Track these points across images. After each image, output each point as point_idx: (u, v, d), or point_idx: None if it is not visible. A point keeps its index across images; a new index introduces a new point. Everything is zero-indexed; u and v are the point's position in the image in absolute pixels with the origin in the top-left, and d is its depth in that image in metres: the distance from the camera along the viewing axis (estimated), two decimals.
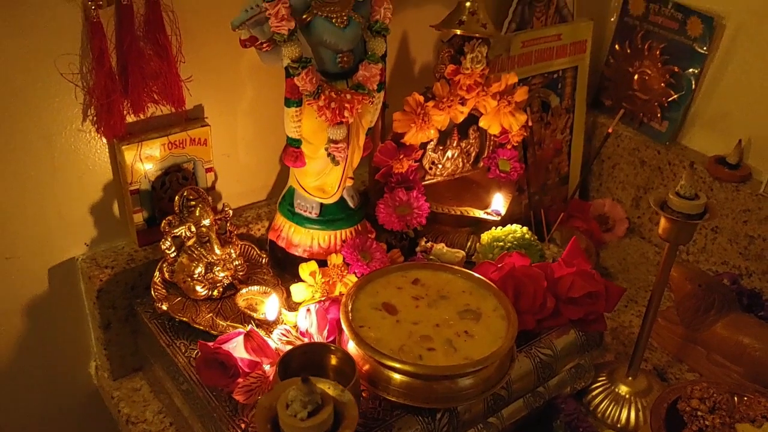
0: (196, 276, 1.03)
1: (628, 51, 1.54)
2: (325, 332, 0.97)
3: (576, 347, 1.09)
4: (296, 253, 1.11)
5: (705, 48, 1.42)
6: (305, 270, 1.06)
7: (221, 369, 0.92)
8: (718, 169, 1.41)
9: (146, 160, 1.05)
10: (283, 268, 1.13)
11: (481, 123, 1.20)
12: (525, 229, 1.16)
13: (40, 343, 1.11)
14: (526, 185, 1.40)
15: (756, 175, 1.39)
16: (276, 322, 0.99)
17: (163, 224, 1.03)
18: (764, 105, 1.37)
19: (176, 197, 1.04)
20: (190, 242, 1.04)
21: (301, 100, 0.99)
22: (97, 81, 0.96)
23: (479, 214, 1.20)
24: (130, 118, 1.02)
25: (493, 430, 0.99)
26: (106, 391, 1.14)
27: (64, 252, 1.07)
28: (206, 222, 1.04)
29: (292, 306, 1.05)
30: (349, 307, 0.95)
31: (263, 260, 1.12)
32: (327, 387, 0.70)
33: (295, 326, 1.00)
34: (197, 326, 1.00)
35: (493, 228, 1.17)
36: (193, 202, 1.04)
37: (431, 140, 1.19)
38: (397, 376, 0.89)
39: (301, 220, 1.10)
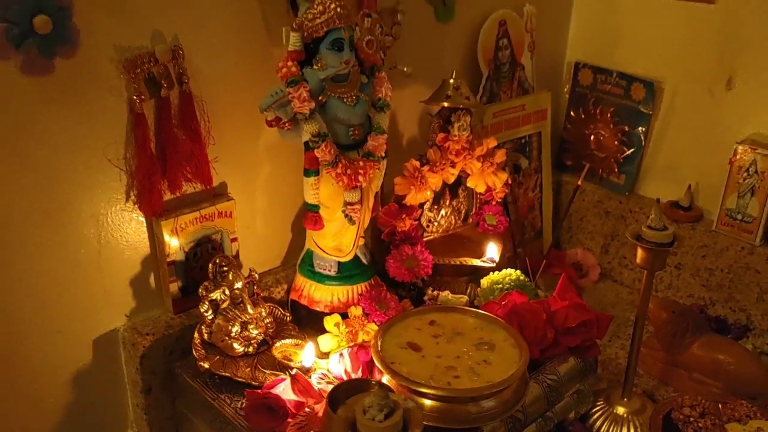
0: (233, 334, 1.13)
1: (583, 116, 1.75)
2: (359, 372, 1.07)
3: (576, 372, 1.21)
4: (318, 309, 1.22)
5: (649, 109, 1.63)
6: (330, 322, 1.17)
7: (269, 413, 1.01)
8: (674, 212, 1.59)
9: (181, 234, 1.16)
10: (305, 324, 1.24)
11: (469, 183, 1.36)
12: (518, 272, 1.30)
13: (82, 413, 1.17)
14: (512, 236, 1.55)
15: (707, 214, 1.58)
16: (311, 370, 1.09)
17: (200, 289, 1.14)
18: (705, 154, 1.58)
19: (210, 265, 1.15)
20: (225, 304, 1.15)
21: (319, 170, 1.13)
22: (140, 164, 1.09)
23: (476, 262, 1.34)
24: (167, 196, 1.14)
25: None
26: None
27: (107, 323, 1.16)
28: (239, 285, 1.15)
29: (320, 356, 1.16)
30: (379, 348, 1.06)
31: (287, 318, 1.23)
32: (392, 396, 0.80)
33: (328, 371, 1.10)
34: (239, 379, 1.10)
35: (491, 273, 1.31)
36: (225, 268, 1.15)
37: (427, 200, 1.34)
38: (428, 402, 1.00)
39: (321, 278, 1.22)
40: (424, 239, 1.36)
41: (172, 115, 1.10)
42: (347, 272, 1.22)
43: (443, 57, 1.49)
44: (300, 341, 1.16)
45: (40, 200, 1.03)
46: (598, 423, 1.27)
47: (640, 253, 1.16)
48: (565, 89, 1.78)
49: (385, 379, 1.03)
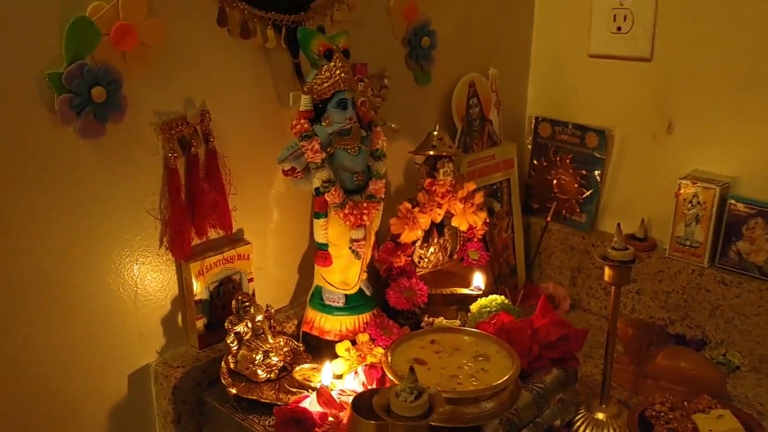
0: (257, 362, 1.27)
1: (545, 163, 1.96)
2: (374, 385, 1.22)
3: (559, 382, 1.37)
4: (329, 338, 1.37)
5: (602, 154, 1.86)
6: (341, 347, 1.32)
7: (296, 426, 1.15)
8: (632, 243, 1.79)
9: (207, 275, 1.30)
10: (316, 353, 1.38)
11: (453, 222, 1.55)
12: (502, 297, 1.47)
13: None
14: (492, 269, 1.73)
15: (660, 243, 1.79)
16: (330, 387, 1.23)
17: (226, 323, 1.28)
18: (654, 190, 1.79)
19: (233, 301, 1.30)
20: (247, 336, 1.29)
21: (327, 213, 1.30)
22: (173, 214, 1.24)
23: (465, 291, 1.51)
24: (194, 242, 1.29)
25: None
26: None
27: (140, 360, 1.28)
28: (260, 317, 1.29)
29: (335, 377, 1.30)
30: (389, 363, 1.21)
31: (301, 349, 1.37)
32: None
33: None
34: (265, 401, 1.23)
35: (479, 299, 1.48)
36: (247, 303, 1.30)
37: (418, 239, 1.51)
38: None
39: (330, 309, 1.37)
40: (418, 273, 1.52)
41: (200, 169, 1.27)
42: (354, 303, 1.38)
43: (423, 114, 1.69)
44: (316, 365, 1.30)
45: (91, 247, 1.17)
46: (582, 428, 1.43)
47: (607, 271, 1.34)
48: (528, 140, 1.99)
49: None
